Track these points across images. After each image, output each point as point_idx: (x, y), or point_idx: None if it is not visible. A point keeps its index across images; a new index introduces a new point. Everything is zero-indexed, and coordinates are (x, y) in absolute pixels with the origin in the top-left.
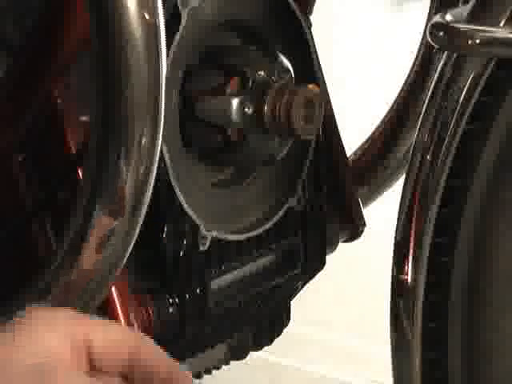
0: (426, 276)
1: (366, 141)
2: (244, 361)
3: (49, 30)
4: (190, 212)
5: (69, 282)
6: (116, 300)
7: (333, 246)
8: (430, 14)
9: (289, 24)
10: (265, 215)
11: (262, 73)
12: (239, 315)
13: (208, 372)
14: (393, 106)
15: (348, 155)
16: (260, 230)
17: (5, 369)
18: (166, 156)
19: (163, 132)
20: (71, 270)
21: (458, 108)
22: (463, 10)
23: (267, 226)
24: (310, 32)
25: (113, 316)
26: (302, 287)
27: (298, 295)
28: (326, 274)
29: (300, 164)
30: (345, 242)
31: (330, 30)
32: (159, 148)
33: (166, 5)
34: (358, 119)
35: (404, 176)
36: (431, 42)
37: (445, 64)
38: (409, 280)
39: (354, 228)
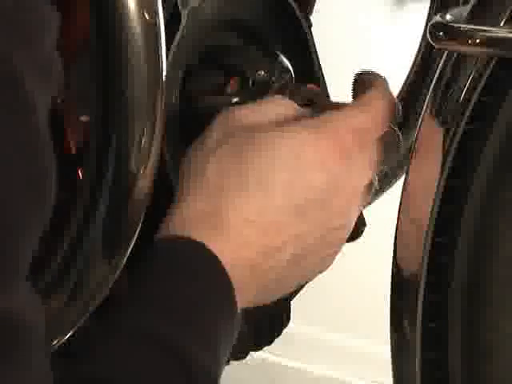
0: (426, 276)
1: None
2: (244, 361)
3: None
4: None
5: (69, 282)
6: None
7: None
8: (430, 13)
9: (289, 24)
10: None
11: (261, 73)
12: None
13: None
14: None
15: None
16: None
17: None
18: (166, 156)
19: (163, 132)
20: (71, 269)
21: (458, 108)
22: (463, 10)
23: None
24: (310, 32)
25: None
26: (303, 287)
27: (298, 295)
28: (326, 274)
29: None
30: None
31: (330, 29)
32: (159, 148)
33: (165, 5)
34: None
35: (404, 176)
36: (431, 42)
37: (445, 64)
38: (409, 280)
39: (353, 228)
